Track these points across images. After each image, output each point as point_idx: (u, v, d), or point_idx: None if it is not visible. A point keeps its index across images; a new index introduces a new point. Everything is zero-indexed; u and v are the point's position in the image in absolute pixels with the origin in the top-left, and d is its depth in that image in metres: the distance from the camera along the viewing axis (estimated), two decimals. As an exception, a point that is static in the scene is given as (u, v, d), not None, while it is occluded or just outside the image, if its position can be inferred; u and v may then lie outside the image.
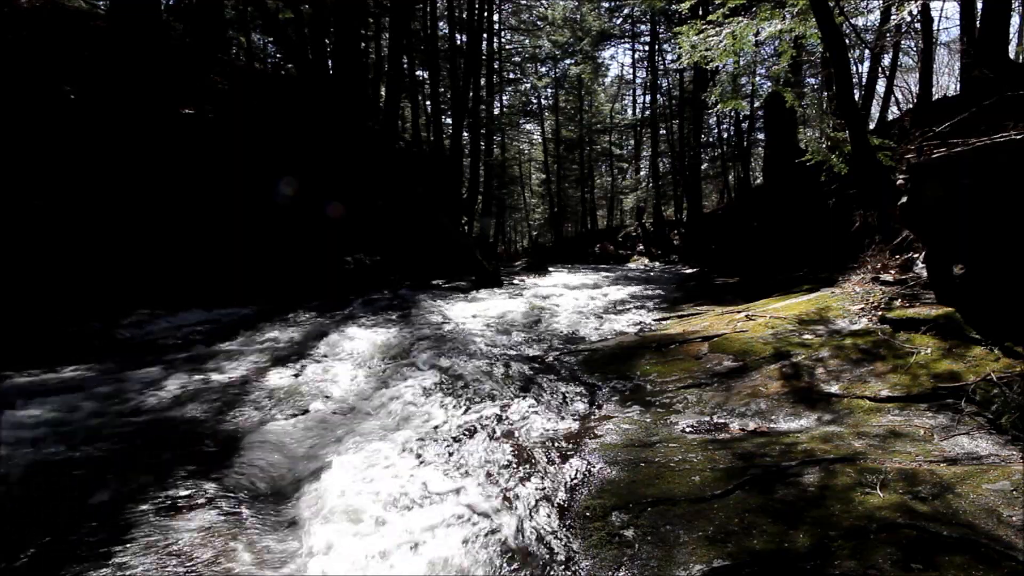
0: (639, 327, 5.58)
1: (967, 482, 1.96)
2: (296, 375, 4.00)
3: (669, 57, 22.28)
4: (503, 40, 24.89)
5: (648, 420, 2.95)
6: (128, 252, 6.16)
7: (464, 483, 2.26)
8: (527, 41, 25.86)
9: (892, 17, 8.65)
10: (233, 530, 2.02)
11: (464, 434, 2.81)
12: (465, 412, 3.22)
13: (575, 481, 2.25)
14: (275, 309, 6.61)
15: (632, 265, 18.26)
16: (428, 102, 20.89)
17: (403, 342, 4.96)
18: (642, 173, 28.94)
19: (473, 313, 6.65)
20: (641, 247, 21.28)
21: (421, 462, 2.49)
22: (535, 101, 27.68)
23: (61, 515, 2.12)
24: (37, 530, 2.02)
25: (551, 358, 4.38)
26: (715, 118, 21.88)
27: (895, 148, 5.88)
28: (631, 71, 32.77)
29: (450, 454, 2.56)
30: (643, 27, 24.24)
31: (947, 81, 21.15)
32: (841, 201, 8.32)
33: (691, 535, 1.79)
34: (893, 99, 14.05)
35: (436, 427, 2.95)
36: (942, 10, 45.78)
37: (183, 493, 2.25)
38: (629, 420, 2.95)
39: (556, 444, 2.64)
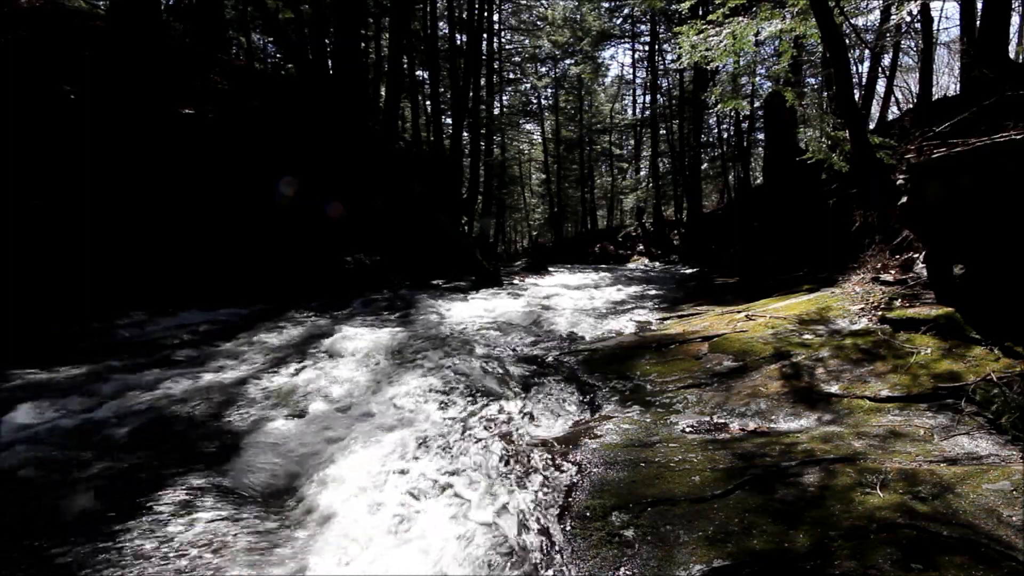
0: (639, 327, 5.58)
1: (967, 482, 1.96)
2: (296, 375, 4.00)
3: (669, 57, 22.23)
4: (503, 40, 24.90)
5: (648, 420, 2.95)
6: (128, 252, 6.16)
7: (465, 483, 2.25)
8: (527, 41, 25.84)
9: (892, 17, 8.64)
10: (233, 529, 2.02)
11: (465, 434, 2.81)
12: (466, 412, 3.22)
13: (575, 481, 2.25)
14: (275, 309, 6.61)
15: (632, 265, 18.26)
16: (428, 102, 20.90)
17: (403, 342, 4.96)
18: (642, 173, 28.93)
19: (473, 313, 6.65)
20: (641, 247, 21.28)
21: (421, 463, 2.49)
22: (535, 101, 27.69)
23: (61, 515, 2.12)
24: (37, 530, 2.02)
25: (551, 358, 4.37)
26: (715, 118, 21.92)
27: (895, 148, 5.88)
28: (631, 71, 32.82)
29: (451, 454, 2.56)
30: (643, 27, 24.22)
31: (947, 81, 21.14)
32: (841, 201, 8.31)
33: (691, 535, 1.79)
34: (893, 99, 14.07)
35: (436, 427, 2.95)
36: (942, 10, 45.84)
37: (183, 493, 2.25)
38: (629, 420, 2.95)
39: (556, 444, 2.64)
